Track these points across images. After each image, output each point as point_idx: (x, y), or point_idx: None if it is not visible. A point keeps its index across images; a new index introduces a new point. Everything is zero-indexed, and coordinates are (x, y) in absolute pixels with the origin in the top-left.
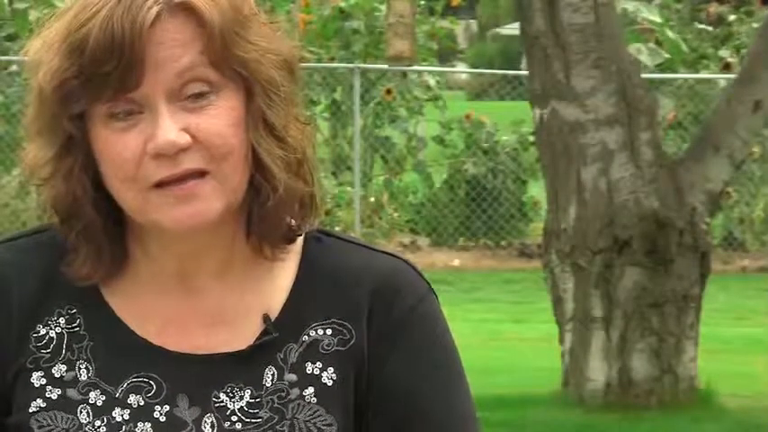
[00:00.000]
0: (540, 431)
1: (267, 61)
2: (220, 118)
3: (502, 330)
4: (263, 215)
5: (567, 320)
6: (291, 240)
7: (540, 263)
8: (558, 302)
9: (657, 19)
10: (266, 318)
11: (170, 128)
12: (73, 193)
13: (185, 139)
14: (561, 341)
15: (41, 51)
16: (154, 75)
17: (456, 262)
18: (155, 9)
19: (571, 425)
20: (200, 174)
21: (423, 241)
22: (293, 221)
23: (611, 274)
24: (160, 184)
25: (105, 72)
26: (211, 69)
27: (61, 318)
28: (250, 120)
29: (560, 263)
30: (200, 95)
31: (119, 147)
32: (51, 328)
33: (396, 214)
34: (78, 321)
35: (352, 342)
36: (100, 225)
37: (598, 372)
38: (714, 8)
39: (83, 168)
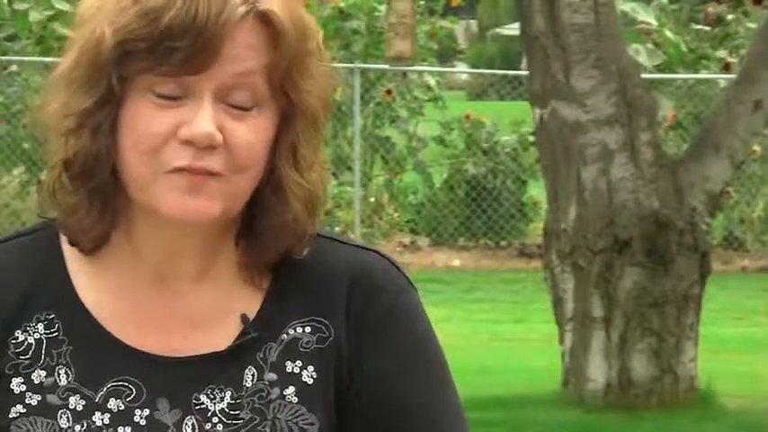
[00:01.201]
0: (539, 431)
1: (317, 97)
2: (255, 132)
3: (502, 330)
4: (267, 241)
5: (566, 320)
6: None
7: (540, 263)
8: (558, 302)
9: (653, 21)
10: (245, 318)
11: (211, 121)
12: (97, 150)
13: (220, 137)
14: (561, 341)
15: (104, 3)
16: (218, 68)
17: (456, 262)
18: (243, 8)
19: (571, 425)
20: (214, 174)
21: (423, 241)
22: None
23: (611, 274)
24: (174, 171)
25: (175, 47)
26: (265, 83)
27: (40, 324)
28: (282, 146)
29: (560, 263)
30: (244, 107)
31: (151, 120)
32: (30, 335)
33: (396, 214)
34: (57, 327)
35: (330, 339)
36: (112, 188)
37: (598, 372)
38: (713, 8)
39: (110, 127)
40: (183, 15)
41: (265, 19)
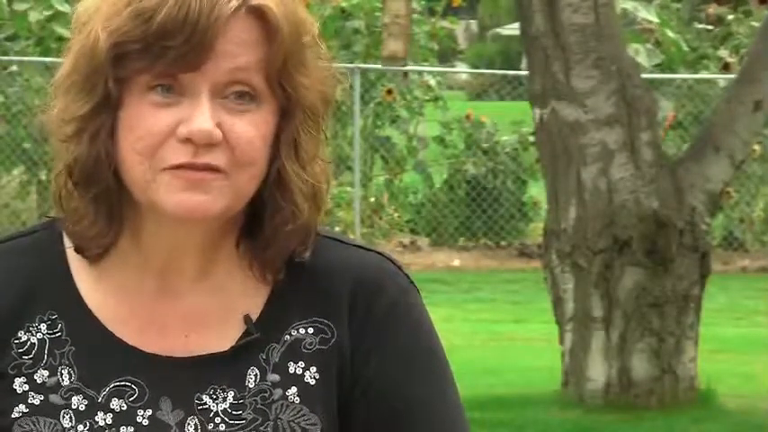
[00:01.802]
0: (539, 431)
1: (315, 91)
2: (255, 127)
3: (502, 330)
4: (275, 238)
5: (567, 320)
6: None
7: (540, 263)
8: (558, 302)
9: (655, 19)
10: (247, 318)
11: (209, 118)
12: (96, 154)
13: (219, 133)
14: (561, 341)
15: (99, 6)
16: (212, 64)
17: (456, 262)
18: (234, 3)
19: (571, 425)
20: (217, 170)
21: (423, 241)
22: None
23: (611, 274)
24: (173, 168)
25: (168, 46)
26: (261, 78)
27: (42, 324)
28: (283, 141)
29: (560, 263)
30: (243, 95)
31: (149, 120)
32: (33, 335)
33: (396, 214)
34: (60, 327)
35: (333, 340)
36: (115, 193)
37: (598, 372)
38: (713, 9)
39: (109, 132)
40: (175, 13)
41: (258, 13)
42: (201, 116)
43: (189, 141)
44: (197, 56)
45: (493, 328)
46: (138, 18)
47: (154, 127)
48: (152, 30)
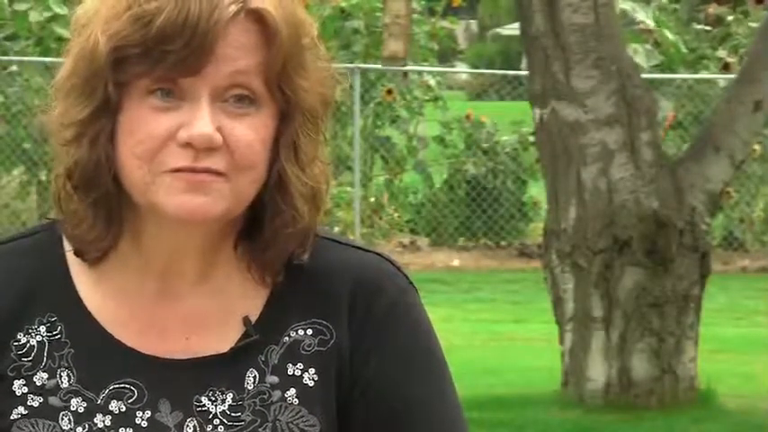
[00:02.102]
0: (539, 431)
1: (314, 93)
2: (255, 131)
3: (502, 330)
4: (275, 241)
5: (567, 320)
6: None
7: (540, 263)
8: (558, 302)
9: (651, 22)
10: (246, 320)
11: (209, 122)
12: (96, 159)
13: (219, 137)
14: (561, 341)
15: (99, 9)
16: (212, 68)
17: (456, 262)
18: (233, 7)
19: (571, 425)
20: (217, 173)
21: (422, 241)
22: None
23: (611, 274)
24: (173, 171)
25: (168, 50)
26: (261, 82)
27: (42, 326)
28: (282, 143)
29: (560, 263)
30: (242, 99)
31: (150, 124)
32: (32, 337)
33: (396, 214)
34: (59, 329)
35: (332, 342)
36: (115, 196)
37: (598, 372)
38: (713, 8)
39: (109, 136)
40: (174, 17)
41: (257, 16)
42: (202, 120)
43: (189, 146)
44: (197, 60)
45: (493, 328)
46: (138, 22)
47: (154, 131)
48: (152, 34)
